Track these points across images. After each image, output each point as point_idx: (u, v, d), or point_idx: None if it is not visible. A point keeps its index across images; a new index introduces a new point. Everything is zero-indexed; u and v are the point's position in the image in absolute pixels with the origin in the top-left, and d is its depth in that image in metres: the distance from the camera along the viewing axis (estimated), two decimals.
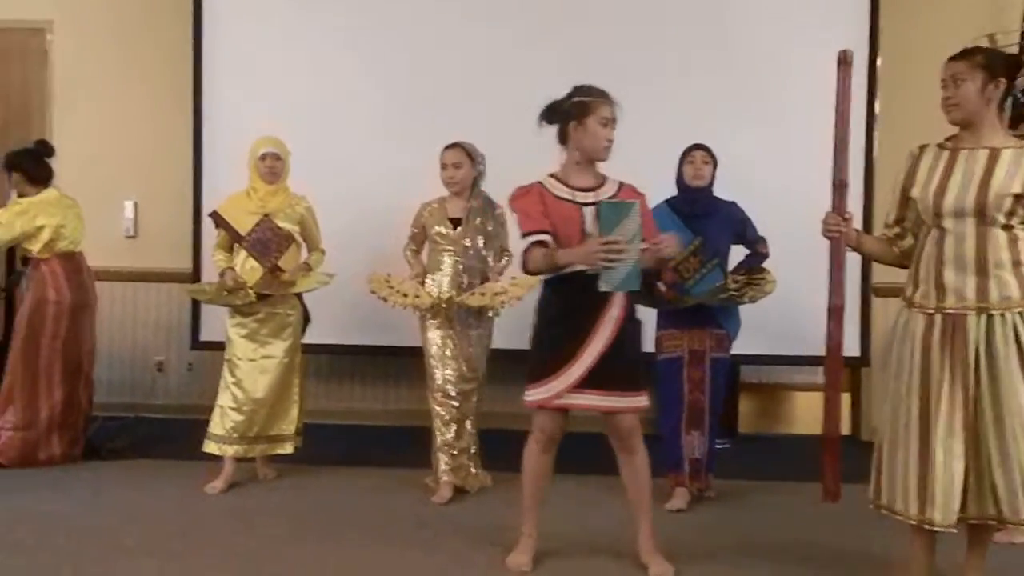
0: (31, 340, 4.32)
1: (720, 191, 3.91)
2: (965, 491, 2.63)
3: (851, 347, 4.86)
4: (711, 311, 3.80)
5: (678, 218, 3.76)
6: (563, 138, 3.04)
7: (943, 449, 2.60)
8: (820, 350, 4.83)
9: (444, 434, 3.94)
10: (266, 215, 4.02)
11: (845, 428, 5.29)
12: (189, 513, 3.68)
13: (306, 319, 4.23)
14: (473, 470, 4.03)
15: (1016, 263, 2.63)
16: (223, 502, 3.87)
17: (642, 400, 3.02)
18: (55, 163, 4.53)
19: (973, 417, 2.61)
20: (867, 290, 4.84)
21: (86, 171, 5.19)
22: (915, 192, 2.75)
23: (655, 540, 3.11)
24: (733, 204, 3.89)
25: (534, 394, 3.01)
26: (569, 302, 2.95)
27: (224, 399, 4.05)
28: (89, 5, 5.47)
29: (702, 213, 3.81)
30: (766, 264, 3.96)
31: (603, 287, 2.83)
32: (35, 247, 4.33)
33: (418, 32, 5.03)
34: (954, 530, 2.65)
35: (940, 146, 2.77)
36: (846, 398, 5.32)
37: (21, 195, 4.38)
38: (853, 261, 4.77)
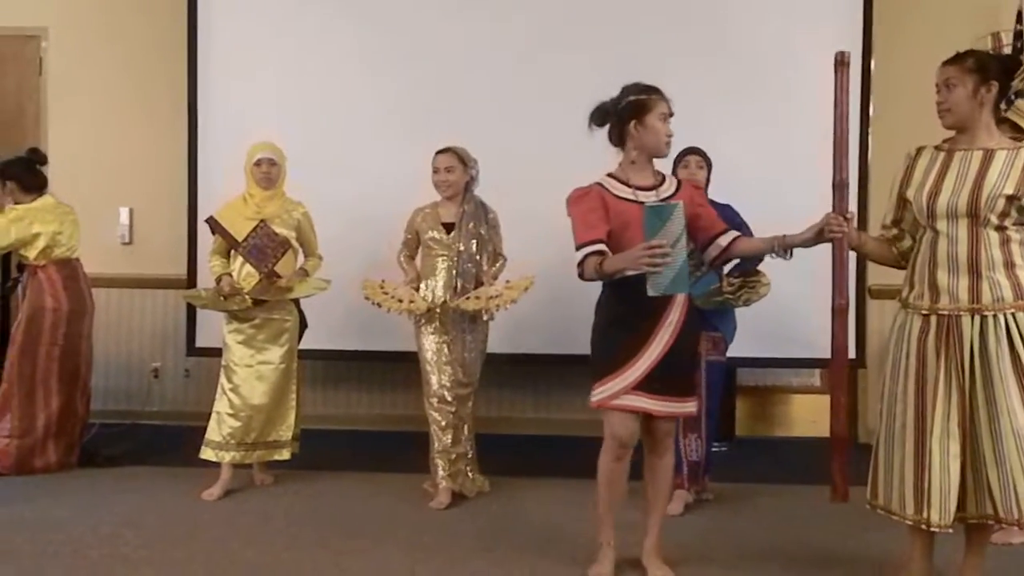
0: (28, 347, 4.31)
1: (713, 193, 3.92)
2: (963, 491, 2.65)
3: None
4: (707, 314, 3.80)
5: None
6: (619, 139, 3.03)
7: (940, 449, 2.62)
8: (815, 352, 4.90)
9: (441, 439, 3.94)
10: (262, 221, 4.02)
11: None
12: (186, 520, 3.67)
13: (303, 325, 4.23)
14: (470, 475, 4.02)
15: (1009, 264, 2.64)
16: (220, 509, 3.86)
17: (692, 406, 3.04)
18: (49, 170, 4.53)
19: (968, 417, 2.62)
20: (863, 291, 4.85)
21: (81, 178, 5.19)
22: (910, 193, 2.77)
23: (660, 544, 3.11)
24: (728, 207, 3.89)
25: (598, 393, 2.99)
26: (628, 305, 2.94)
27: (221, 405, 4.05)
28: (84, 12, 5.47)
29: None
30: (760, 267, 3.96)
31: (651, 291, 2.81)
32: (31, 254, 4.33)
33: (416, 39, 5.02)
34: (950, 530, 2.66)
35: (937, 148, 2.79)
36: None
37: (16, 203, 4.37)
38: (849, 262, 4.80)
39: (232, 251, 4.07)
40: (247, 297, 4.00)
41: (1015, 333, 2.60)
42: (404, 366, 4.75)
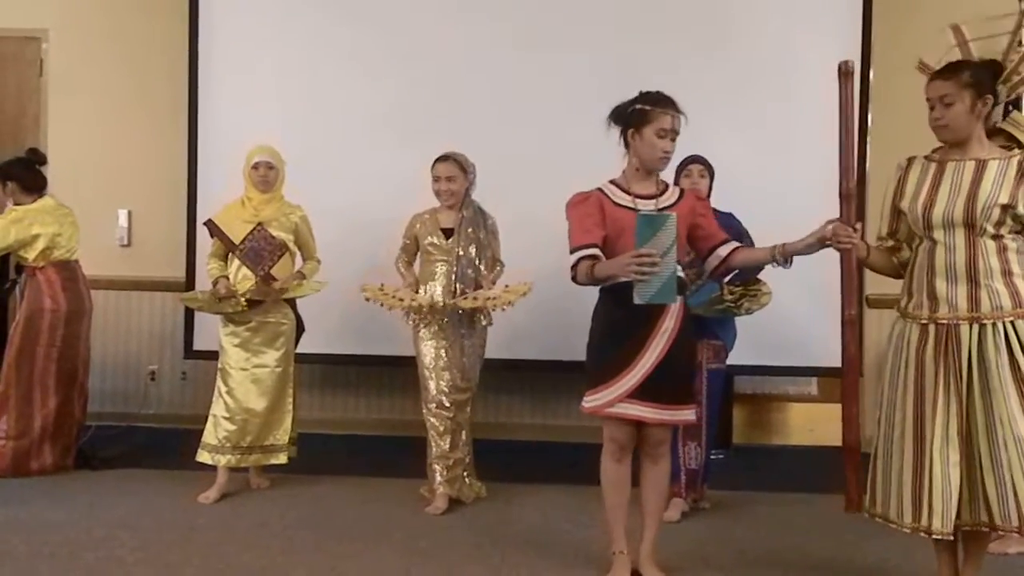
0: (26, 349, 4.31)
1: (713, 200, 3.92)
2: (959, 498, 2.65)
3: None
4: (707, 322, 3.80)
5: None
6: (625, 144, 3.04)
7: (940, 457, 2.62)
8: (813, 361, 4.92)
9: (439, 445, 3.94)
10: (259, 224, 4.02)
11: (838, 439, 5.26)
12: (182, 523, 3.67)
13: (300, 328, 4.23)
14: (468, 481, 4.02)
15: (1006, 272, 2.65)
16: (216, 512, 3.86)
17: (690, 414, 3.04)
18: (49, 171, 4.52)
19: (966, 425, 2.63)
20: (860, 301, 4.85)
21: (81, 179, 5.18)
22: (904, 205, 2.77)
23: (656, 551, 3.11)
24: (730, 215, 3.89)
25: (588, 401, 3.01)
26: (624, 312, 2.94)
27: (217, 408, 4.05)
28: (85, 14, 5.47)
29: None
30: (761, 276, 3.97)
31: (636, 300, 2.81)
32: (30, 255, 4.32)
33: (415, 42, 5.03)
34: (951, 537, 2.66)
35: (927, 158, 2.80)
36: (839, 409, 5.29)
37: (16, 204, 4.37)
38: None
39: (230, 254, 4.07)
40: (242, 300, 3.99)
41: (1014, 341, 2.61)
42: (401, 371, 4.76)
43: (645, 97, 3.00)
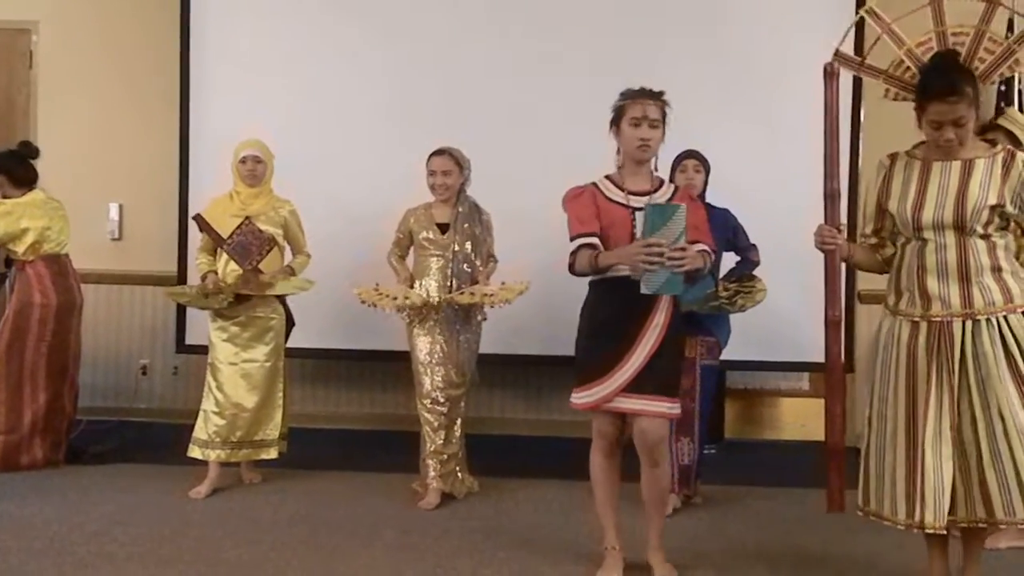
0: (16, 343, 4.29)
1: (708, 196, 3.92)
2: (953, 495, 2.65)
3: None
4: (701, 319, 3.80)
5: None
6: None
7: (933, 452, 2.62)
8: (805, 356, 4.93)
9: (433, 440, 3.93)
10: (247, 218, 4.00)
11: None
12: (173, 518, 3.66)
13: (290, 323, 4.22)
14: (461, 475, 4.02)
15: (996, 268, 2.66)
16: (207, 507, 3.85)
17: (674, 408, 3.02)
18: (39, 165, 4.50)
19: (958, 420, 2.63)
20: (851, 297, 4.86)
21: (71, 173, 5.16)
22: (891, 205, 2.76)
23: (662, 544, 3.11)
24: (726, 211, 3.89)
25: (579, 397, 3.01)
26: (614, 307, 2.95)
27: (207, 403, 4.04)
28: (75, 6, 5.44)
29: None
30: (756, 272, 3.97)
31: (644, 290, 2.81)
32: (20, 249, 4.30)
33: (407, 38, 5.02)
34: (944, 531, 2.66)
35: (910, 155, 2.78)
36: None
37: (6, 197, 4.35)
38: (840, 271, 4.82)
39: (219, 248, 4.05)
40: (229, 296, 3.98)
41: (1008, 335, 2.61)
42: (392, 365, 4.76)
43: (622, 93, 3.03)
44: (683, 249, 2.79)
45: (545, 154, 4.83)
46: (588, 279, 3.09)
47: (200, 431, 4.03)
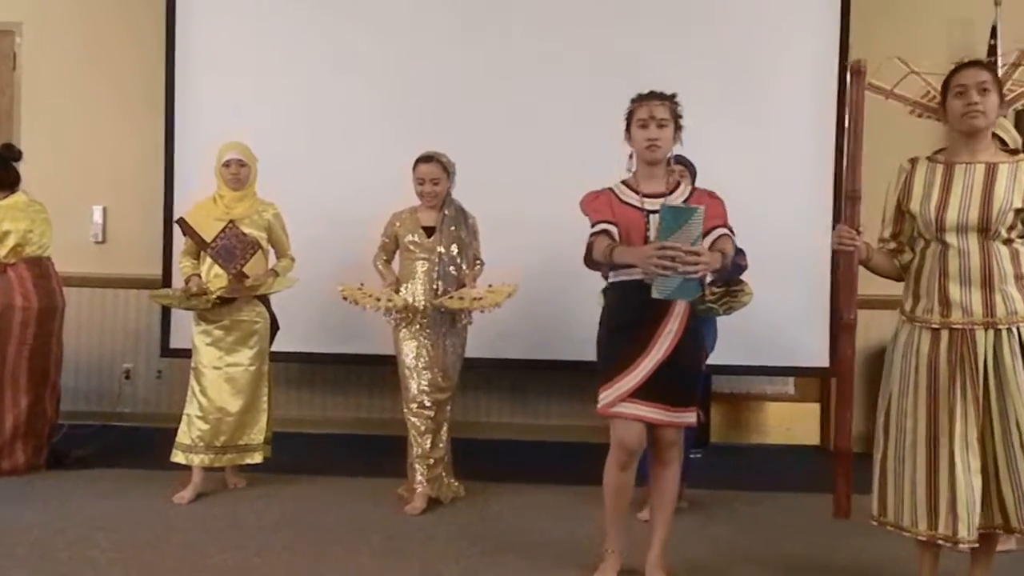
0: None
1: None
2: None
3: (820, 358, 4.91)
4: None
5: None
6: None
7: (962, 464, 2.60)
8: (791, 361, 4.95)
9: (420, 445, 3.92)
10: (231, 221, 3.98)
11: (814, 438, 5.34)
12: (156, 524, 3.63)
13: (275, 327, 4.20)
14: (447, 480, 4.01)
15: (1019, 277, 2.65)
16: (191, 512, 3.82)
17: (690, 417, 3.01)
18: (23, 167, 4.46)
19: (984, 429, 2.62)
20: (835, 301, 4.85)
21: (54, 175, 5.12)
22: (913, 206, 2.74)
23: (664, 557, 3.09)
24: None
25: (602, 399, 2.98)
26: (629, 312, 2.94)
27: (191, 408, 4.02)
28: (59, 7, 5.40)
29: None
30: (743, 276, 3.97)
31: (655, 294, 2.78)
32: (1, 252, 4.26)
33: (394, 41, 5.00)
34: (976, 544, 2.64)
35: (931, 159, 2.77)
36: (815, 408, 5.36)
37: None
38: (822, 271, 4.84)
39: (202, 252, 4.03)
40: (212, 297, 3.95)
41: None
42: (378, 369, 4.74)
43: (631, 100, 3.05)
44: (698, 254, 2.74)
45: (534, 158, 4.84)
46: (604, 284, 3.09)
47: (184, 436, 4.00)
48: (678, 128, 3.02)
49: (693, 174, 3.88)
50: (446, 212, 3.98)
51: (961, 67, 2.71)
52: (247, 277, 3.99)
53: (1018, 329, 2.62)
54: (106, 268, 5.39)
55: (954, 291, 2.65)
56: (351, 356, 5.01)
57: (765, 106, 4.84)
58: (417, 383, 3.92)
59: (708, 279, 3.76)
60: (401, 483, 4.00)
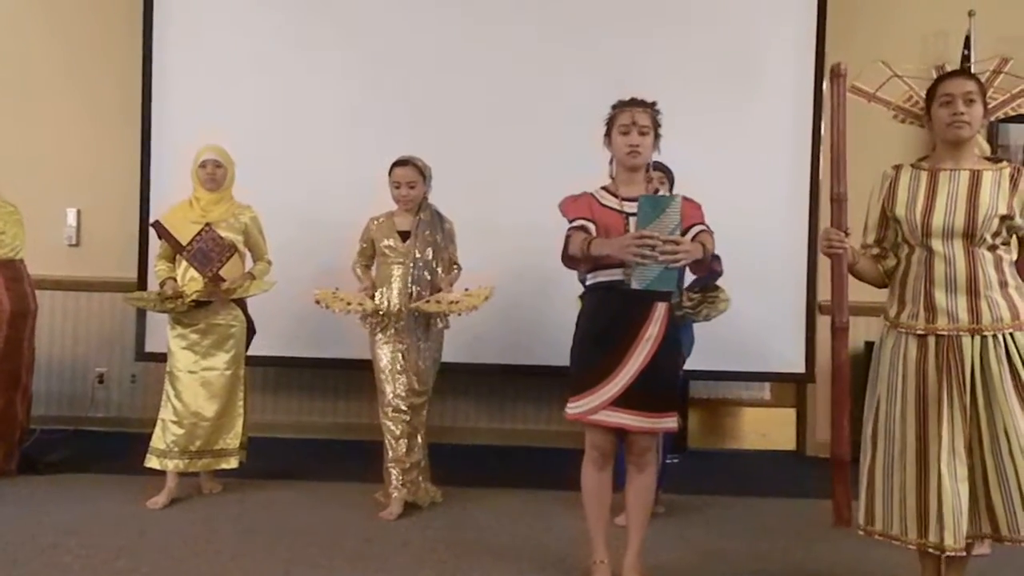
0: None
1: None
2: None
3: (796, 364, 4.95)
4: None
5: None
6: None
7: (948, 472, 2.60)
8: (767, 367, 4.98)
9: (395, 449, 3.91)
10: (207, 224, 3.96)
11: (790, 444, 5.37)
12: (130, 529, 3.59)
13: (251, 330, 4.17)
14: (423, 485, 4.00)
15: (1003, 283, 2.66)
16: (165, 518, 3.79)
17: (671, 422, 3.01)
18: None
19: (972, 437, 2.63)
20: (812, 307, 4.92)
21: (27, 176, 5.04)
22: (899, 212, 2.75)
23: (641, 561, 3.09)
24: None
25: (572, 408, 2.99)
26: (608, 317, 2.94)
27: (166, 412, 3.98)
28: (31, 5, 5.34)
29: None
30: (720, 282, 3.99)
31: (634, 285, 2.77)
32: None
33: (371, 44, 5.00)
34: (964, 553, 2.65)
35: (915, 166, 2.79)
36: (791, 414, 5.40)
37: None
38: (798, 277, 4.88)
39: (178, 255, 4.00)
40: (187, 300, 3.92)
41: (1014, 353, 2.62)
42: (355, 374, 4.72)
43: (612, 106, 3.06)
44: (676, 242, 2.75)
45: (511, 162, 4.84)
46: (583, 287, 3.09)
47: (158, 440, 3.96)
48: (657, 136, 3.04)
49: (671, 180, 3.90)
50: (422, 216, 3.98)
51: (947, 76, 2.74)
52: (223, 280, 3.96)
53: (1004, 336, 2.63)
54: (80, 271, 5.33)
55: (940, 297, 2.66)
56: (328, 360, 4.99)
57: (741, 112, 4.88)
58: (393, 387, 3.91)
59: (685, 284, 3.78)
60: (378, 488, 3.99)
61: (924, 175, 2.75)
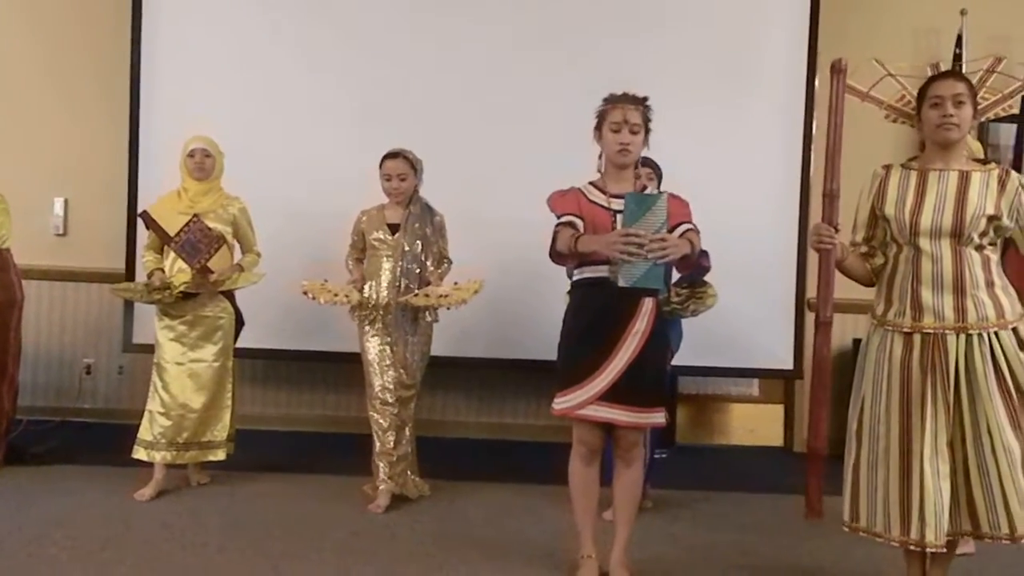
0: None
1: None
2: None
3: (784, 360, 4.97)
4: None
5: None
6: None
7: (931, 470, 2.62)
8: (755, 362, 4.99)
9: (383, 442, 3.90)
10: (195, 215, 3.94)
11: (778, 439, 5.39)
12: (117, 521, 3.58)
13: (240, 322, 4.16)
14: (412, 478, 4.00)
15: (990, 283, 2.67)
16: (152, 509, 3.78)
17: (659, 417, 3.01)
18: None
19: (955, 435, 2.64)
20: (800, 303, 4.93)
21: (14, 166, 5.01)
22: (888, 210, 2.75)
23: (628, 556, 3.10)
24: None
25: (559, 403, 2.99)
26: (595, 312, 2.94)
27: (153, 404, 3.97)
28: None
29: None
30: (707, 278, 4.00)
31: (621, 282, 2.77)
32: None
33: (362, 37, 4.97)
34: (944, 550, 2.66)
35: (905, 166, 2.80)
36: (779, 410, 5.42)
37: None
38: (787, 274, 4.89)
39: (166, 246, 3.98)
40: (174, 291, 3.91)
41: (998, 351, 2.63)
42: (344, 367, 4.71)
43: (603, 99, 3.04)
44: (663, 239, 2.75)
45: (501, 156, 4.83)
46: (570, 282, 3.08)
47: (145, 432, 3.95)
48: (647, 132, 3.03)
49: (659, 177, 3.90)
50: (411, 209, 3.97)
51: (938, 77, 2.75)
52: (211, 272, 3.95)
53: (989, 335, 2.64)
54: (67, 261, 5.30)
55: (926, 296, 2.67)
56: (316, 353, 4.97)
57: (733, 109, 4.87)
58: (381, 380, 3.91)
59: (675, 277, 3.79)
60: (366, 481, 3.99)
61: (914, 175, 2.76)
